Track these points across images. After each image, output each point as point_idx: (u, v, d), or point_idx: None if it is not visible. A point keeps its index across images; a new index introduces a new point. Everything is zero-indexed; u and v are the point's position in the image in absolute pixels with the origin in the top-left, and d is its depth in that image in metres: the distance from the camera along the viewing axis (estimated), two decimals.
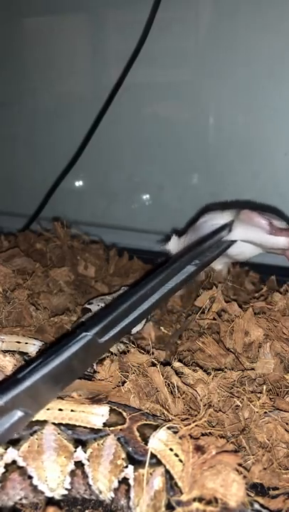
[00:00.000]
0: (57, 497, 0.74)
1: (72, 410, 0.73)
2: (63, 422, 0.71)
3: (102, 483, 0.70)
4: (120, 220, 1.72)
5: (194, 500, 0.54)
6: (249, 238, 1.20)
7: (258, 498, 0.65)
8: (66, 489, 0.73)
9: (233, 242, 1.20)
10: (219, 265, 1.35)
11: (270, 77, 1.49)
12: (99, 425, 0.71)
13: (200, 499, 0.54)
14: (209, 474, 0.54)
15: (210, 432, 0.69)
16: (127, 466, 0.68)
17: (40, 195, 1.78)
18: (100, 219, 1.73)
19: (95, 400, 0.76)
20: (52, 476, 0.72)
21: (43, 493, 0.73)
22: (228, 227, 1.21)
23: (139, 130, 1.68)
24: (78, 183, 1.82)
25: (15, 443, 0.71)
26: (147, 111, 1.67)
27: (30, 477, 0.72)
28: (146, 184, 1.74)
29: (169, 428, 0.68)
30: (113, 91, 1.60)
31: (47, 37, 1.75)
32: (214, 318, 1.09)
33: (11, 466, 0.71)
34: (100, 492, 0.72)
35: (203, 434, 0.64)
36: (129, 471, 0.67)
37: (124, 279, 1.43)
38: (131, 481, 0.67)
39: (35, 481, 0.72)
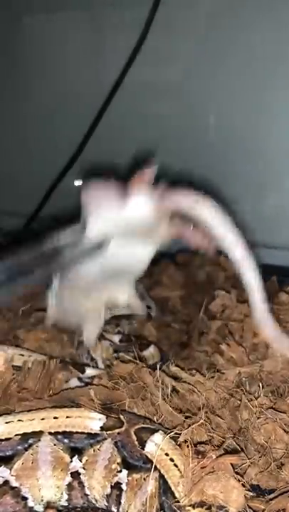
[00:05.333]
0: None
1: (68, 417, 0.71)
2: (60, 430, 0.70)
3: (97, 491, 0.69)
4: None
5: (193, 506, 0.53)
6: (109, 225, 0.81)
7: (256, 500, 0.65)
8: (63, 506, 0.71)
9: (99, 245, 0.83)
10: (121, 294, 0.96)
11: (270, 77, 1.49)
12: (96, 429, 0.70)
13: (199, 505, 0.53)
14: (209, 481, 0.54)
15: (211, 436, 0.69)
16: (120, 471, 0.67)
17: (39, 195, 1.77)
18: None
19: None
20: (48, 494, 0.70)
21: None
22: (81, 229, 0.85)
23: (138, 129, 1.68)
24: (78, 183, 1.82)
25: (7, 461, 0.68)
26: (147, 110, 1.66)
27: (24, 498, 0.69)
28: None
29: (166, 432, 0.67)
30: (113, 90, 1.59)
31: (47, 36, 1.75)
32: (224, 321, 1.10)
33: (2, 487, 0.68)
34: (96, 501, 0.70)
35: (201, 442, 0.63)
36: (123, 476, 0.66)
37: None
38: (123, 486, 0.66)
39: (30, 503, 0.70)
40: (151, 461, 0.63)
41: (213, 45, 1.54)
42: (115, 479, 0.67)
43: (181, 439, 0.65)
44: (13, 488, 0.68)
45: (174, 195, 0.85)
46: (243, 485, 0.59)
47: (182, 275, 1.39)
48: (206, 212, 0.83)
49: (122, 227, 0.83)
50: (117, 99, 1.60)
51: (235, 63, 1.52)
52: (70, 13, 1.69)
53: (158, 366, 0.91)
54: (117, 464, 0.67)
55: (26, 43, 1.79)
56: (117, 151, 1.71)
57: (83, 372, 0.91)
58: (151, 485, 0.61)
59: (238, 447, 0.72)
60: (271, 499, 0.67)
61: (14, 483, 0.68)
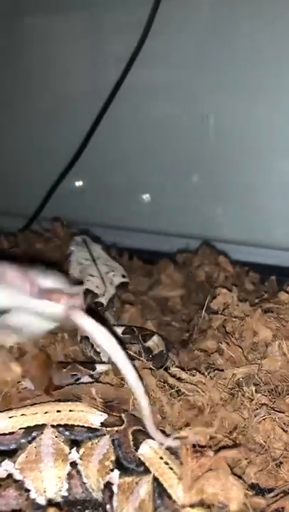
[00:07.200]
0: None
1: (70, 410, 0.72)
2: (62, 423, 0.71)
3: (92, 482, 0.70)
4: (120, 220, 1.72)
5: (192, 506, 0.53)
6: (12, 303, 0.82)
7: (256, 498, 0.65)
8: (63, 496, 0.72)
9: None
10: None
11: (270, 77, 1.49)
12: (96, 424, 0.71)
13: (199, 504, 0.54)
14: (208, 479, 0.54)
15: (213, 436, 0.69)
16: (113, 470, 0.68)
17: (40, 195, 1.77)
18: (100, 219, 1.73)
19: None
20: (50, 485, 0.71)
21: (40, 506, 0.72)
22: None
23: (139, 130, 1.68)
24: (78, 183, 1.83)
25: (11, 454, 0.69)
26: (147, 111, 1.67)
27: (27, 490, 0.71)
28: (147, 184, 1.74)
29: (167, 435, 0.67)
30: (113, 91, 1.60)
31: (47, 37, 1.75)
32: (225, 319, 1.10)
33: (6, 481, 0.69)
34: (93, 490, 0.71)
35: (200, 446, 0.63)
36: (114, 476, 0.67)
37: None
38: (115, 488, 0.66)
39: (32, 495, 0.71)
40: (144, 464, 0.64)
41: (213, 46, 1.54)
42: (107, 478, 0.68)
43: (181, 436, 0.65)
44: (16, 481, 0.69)
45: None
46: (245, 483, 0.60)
47: (182, 275, 1.40)
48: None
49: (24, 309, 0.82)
50: (117, 100, 1.61)
51: (235, 64, 1.52)
52: (71, 15, 1.69)
53: (164, 356, 0.93)
54: (111, 461, 0.68)
55: (27, 45, 1.80)
56: (117, 151, 1.72)
57: (94, 369, 0.92)
58: (144, 489, 0.61)
59: (238, 446, 0.72)
60: (270, 498, 0.67)
61: (18, 477, 0.70)
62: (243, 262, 1.44)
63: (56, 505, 0.72)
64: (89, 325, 0.69)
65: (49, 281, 0.77)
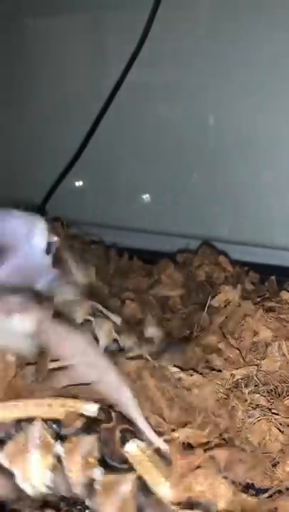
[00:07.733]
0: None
1: (61, 406, 0.73)
2: (51, 417, 0.72)
3: (74, 477, 0.71)
4: (120, 220, 1.72)
5: (179, 504, 0.54)
6: None
7: (250, 498, 0.66)
8: (48, 487, 0.73)
9: None
10: None
11: (271, 77, 1.49)
12: (85, 420, 0.71)
13: (186, 502, 0.54)
14: (196, 477, 0.54)
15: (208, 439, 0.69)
16: (96, 467, 0.68)
17: (40, 195, 1.78)
18: (100, 219, 1.73)
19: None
20: (36, 476, 0.72)
21: (27, 495, 0.73)
22: None
23: (139, 130, 1.68)
24: (78, 183, 1.83)
25: (0, 444, 0.71)
26: (147, 111, 1.67)
27: (14, 479, 0.72)
28: (147, 184, 1.74)
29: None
30: (113, 91, 1.60)
31: (47, 37, 1.76)
32: (225, 318, 1.10)
33: None
34: (74, 485, 0.72)
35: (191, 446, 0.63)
36: (97, 474, 0.67)
37: (124, 279, 1.43)
38: (97, 485, 0.66)
39: (19, 484, 0.72)
40: (129, 462, 0.64)
41: (214, 45, 1.54)
42: (90, 474, 0.68)
43: (172, 436, 0.65)
44: (4, 470, 0.71)
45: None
46: (239, 483, 0.60)
47: (182, 274, 1.39)
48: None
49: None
50: (117, 100, 1.61)
51: (236, 64, 1.52)
52: (71, 15, 1.70)
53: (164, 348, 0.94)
54: (94, 458, 0.69)
55: (27, 45, 1.80)
56: (117, 151, 1.72)
57: None
58: (127, 487, 0.61)
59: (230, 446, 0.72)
60: (264, 498, 0.67)
61: (6, 465, 0.71)
62: (243, 262, 1.44)
63: (55, 505, 0.73)
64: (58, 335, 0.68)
65: (16, 296, 0.75)
